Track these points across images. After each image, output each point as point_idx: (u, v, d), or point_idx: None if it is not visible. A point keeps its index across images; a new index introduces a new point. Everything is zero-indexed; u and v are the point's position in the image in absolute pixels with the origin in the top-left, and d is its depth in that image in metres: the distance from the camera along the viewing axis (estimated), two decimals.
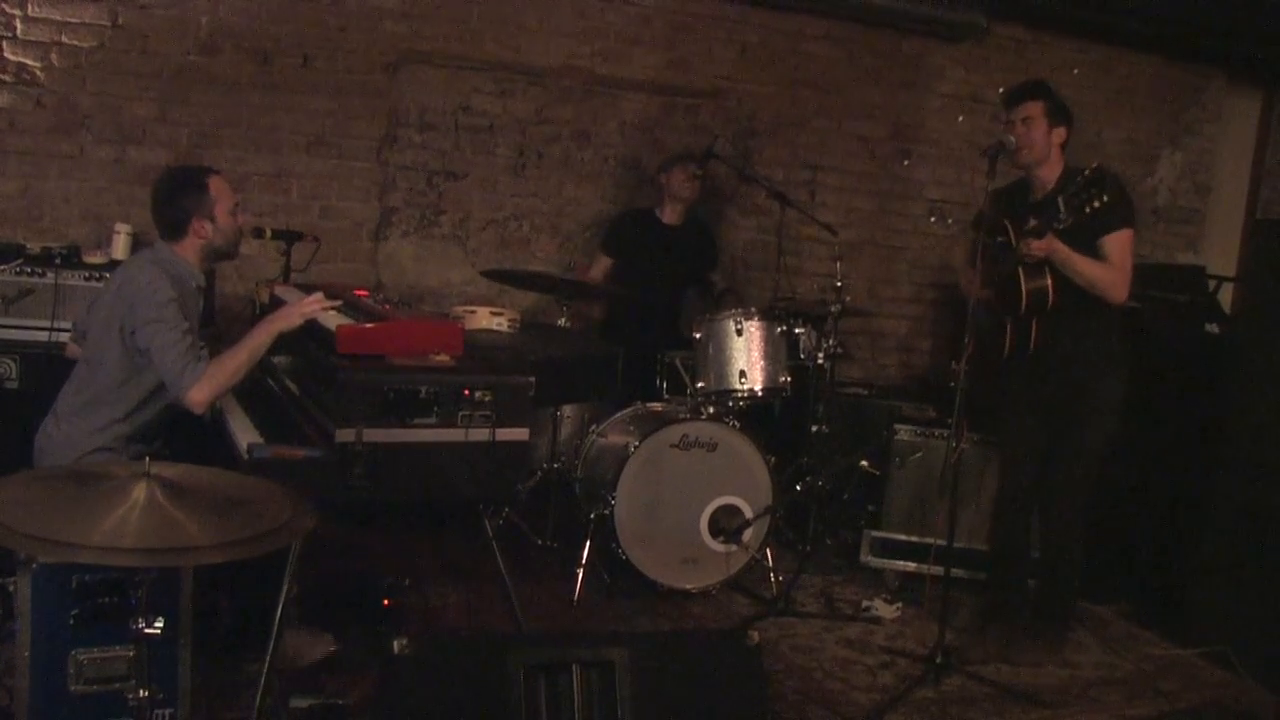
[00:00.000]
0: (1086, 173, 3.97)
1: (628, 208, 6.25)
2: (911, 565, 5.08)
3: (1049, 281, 4.24)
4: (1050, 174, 4.37)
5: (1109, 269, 4.21)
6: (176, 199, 3.69)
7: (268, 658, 3.19)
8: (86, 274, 4.64)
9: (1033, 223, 4.16)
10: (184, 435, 3.82)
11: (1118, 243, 4.22)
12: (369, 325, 3.48)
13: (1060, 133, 4.36)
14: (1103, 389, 4.37)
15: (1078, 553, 4.51)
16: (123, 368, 3.56)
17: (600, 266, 5.92)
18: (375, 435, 3.24)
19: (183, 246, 3.71)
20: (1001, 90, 4.58)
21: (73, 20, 5.24)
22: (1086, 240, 4.19)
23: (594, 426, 5.11)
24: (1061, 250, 4.15)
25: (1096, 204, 3.96)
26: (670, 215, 5.95)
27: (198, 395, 3.43)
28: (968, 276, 4.50)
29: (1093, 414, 4.38)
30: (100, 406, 3.57)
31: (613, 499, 4.62)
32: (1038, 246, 4.14)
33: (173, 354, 3.43)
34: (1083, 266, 4.19)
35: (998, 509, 4.76)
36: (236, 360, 3.53)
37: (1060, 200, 4.05)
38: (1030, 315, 4.31)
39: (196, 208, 3.68)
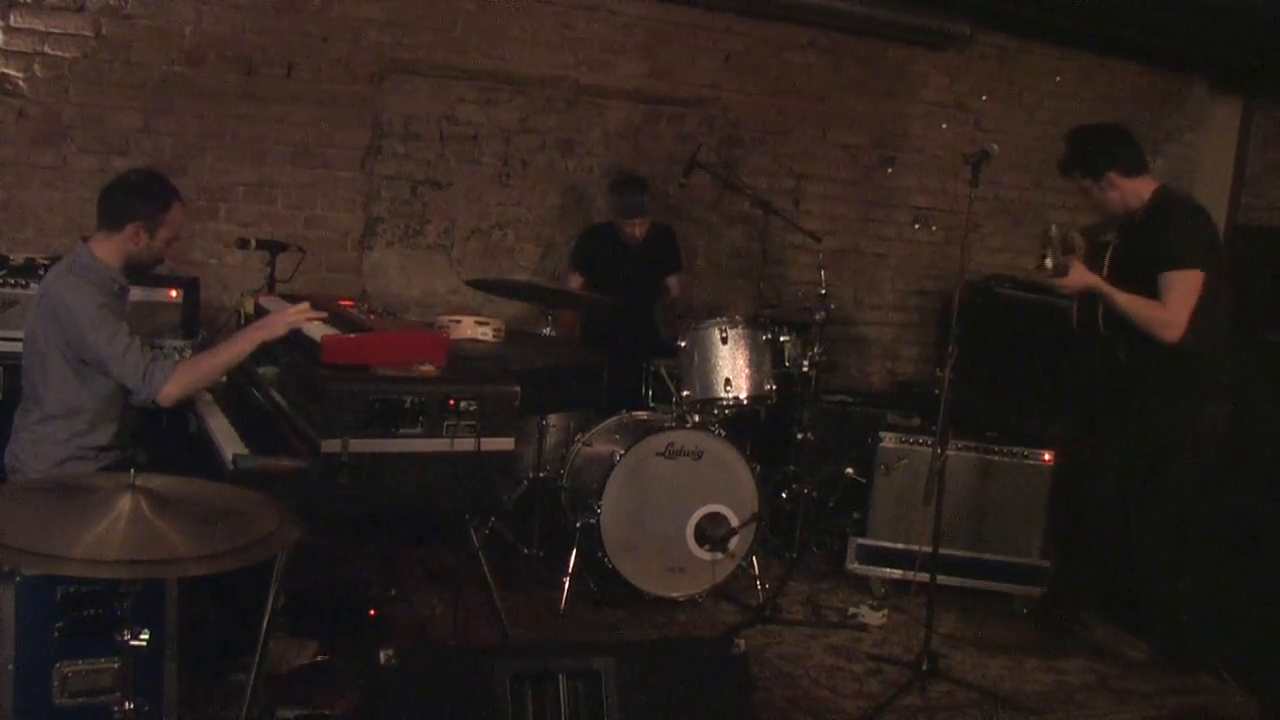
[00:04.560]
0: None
1: (592, 224, 6.21)
2: (897, 572, 5.08)
3: (1099, 309, 4.28)
4: (1139, 200, 4.31)
5: (1154, 308, 4.12)
6: (138, 195, 3.59)
7: (254, 669, 3.18)
8: None
9: (1062, 259, 4.17)
10: (168, 446, 3.81)
11: (1174, 281, 4.11)
12: (354, 335, 3.48)
13: (1111, 177, 4.27)
14: (1193, 424, 4.29)
15: (1165, 581, 4.47)
16: (70, 382, 3.51)
17: (574, 282, 5.91)
18: (361, 445, 3.24)
19: (109, 243, 3.59)
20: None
21: (56, 30, 5.24)
22: (1149, 271, 4.14)
23: (579, 435, 5.11)
24: (1096, 285, 4.16)
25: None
26: (630, 236, 5.92)
27: (168, 392, 3.43)
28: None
29: (1180, 450, 4.32)
30: (60, 421, 3.53)
31: (598, 508, 4.62)
32: (1061, 283, 4.19)
33: (130, 359, 3.41)
34: (1122, 302, 4.15)
35: (1085, 522, 4.72)
36: (213, 362, 3.52)
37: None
38: (1085, 333, 4.37)
39: (146, 215, 3.58)
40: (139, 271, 3.73)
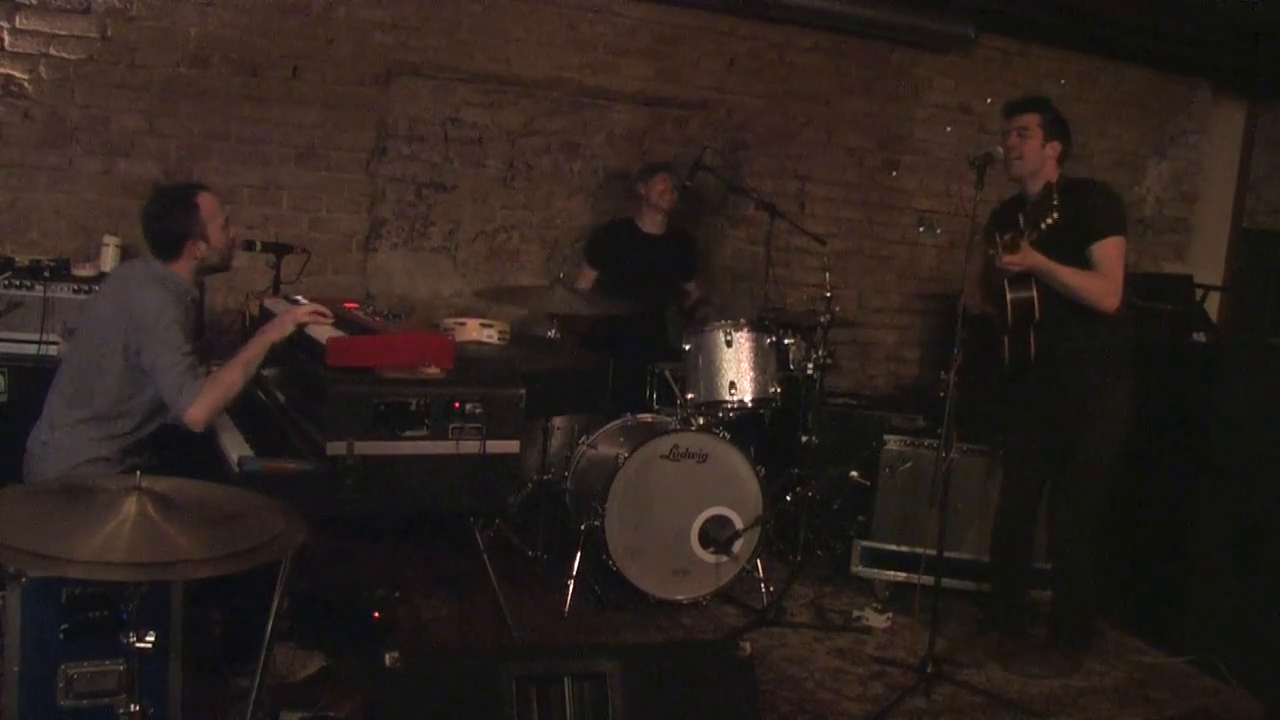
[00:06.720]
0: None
1: (610, 218, 6.25)
2: (901, 575, 5.08)
3: (1034, 293, 4.23)
4: (1039, 186, 4.38)
5: (1095, 277, 4.19)
6: (168, 221, 3.68)
7: (259, 671, 3.18)
8: (75, 287, 4.64)
9: (1007, 236, 4.18)
10: (174, 448, 3.81)
11: (1106, 250, 4.20)
12: (359, 338, 3.48)
13: (1055, 147, 4.35)
14: (1109, 397, 4.35)
15: (1089, 565, 4.49)
16: (124, 382, 3.56)
17: (586, 278, 5.92)
18: (366, 448, 3.25)
19: (178, 266, 3.70)
20: (1001, 102, 4.60)
21: (61, 32, 5.24)
22: (1077, 248, 4.19)
23: (584, 438, 5.11)
24: (1041, 262, 4.15)
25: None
26: (650, 225, 5.96)
27: (196, 413, 3.44)
28: (969, 288, 4.50)
29: (1100, 423, 4.36)
30: (105, 421, 3.57)
31: (603, 510, 4.62)
32: (1009, 260, 4.15)
33: (173, 374, 3.45)
34: (1065, 277, 4.17)
35: (1001, 519, 4.74)
36: (232, 375, 3.54)
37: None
38: (1019, 327, 4.30)
39: (189, 229, 3.68)
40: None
